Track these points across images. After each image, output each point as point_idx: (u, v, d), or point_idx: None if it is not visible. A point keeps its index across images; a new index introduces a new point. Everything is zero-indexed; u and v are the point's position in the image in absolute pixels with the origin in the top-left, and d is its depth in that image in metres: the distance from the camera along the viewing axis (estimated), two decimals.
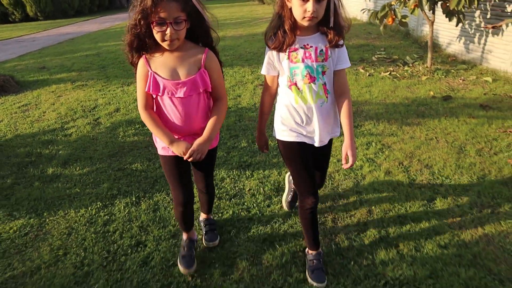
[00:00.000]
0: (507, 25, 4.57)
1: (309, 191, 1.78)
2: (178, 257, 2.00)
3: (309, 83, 1.59)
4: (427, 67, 5.18)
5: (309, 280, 1.84)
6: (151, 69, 1.58)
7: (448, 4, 4.56)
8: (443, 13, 4.82)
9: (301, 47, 1.56)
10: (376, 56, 5.94)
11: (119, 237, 2.26)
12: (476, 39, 5.29)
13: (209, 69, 1.62)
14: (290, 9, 1.50)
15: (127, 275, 1.97)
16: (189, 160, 1.64)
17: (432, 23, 5.00)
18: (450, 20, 4.77)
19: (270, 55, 1.61)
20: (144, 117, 1.66)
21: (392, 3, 4.99)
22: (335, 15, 1.50)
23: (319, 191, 2.06)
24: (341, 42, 1.57)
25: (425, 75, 4.92)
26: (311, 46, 1.56)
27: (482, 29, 5.02)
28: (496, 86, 4.34)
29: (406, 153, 3.02)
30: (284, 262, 1.99)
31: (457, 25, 4.80)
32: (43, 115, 4.43)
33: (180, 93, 1.59)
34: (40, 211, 2.57)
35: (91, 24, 15.01)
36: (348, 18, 1.57)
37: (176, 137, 1.69)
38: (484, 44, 5.09)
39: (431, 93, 4.29)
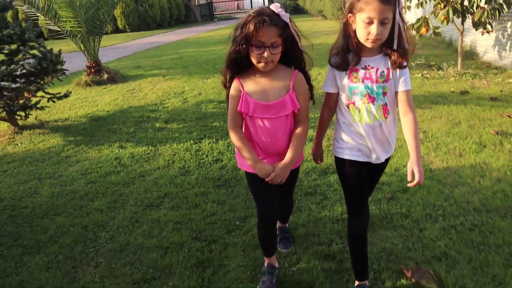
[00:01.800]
0: (497, 30, 5.36)
1: (356, 212, 1.82)
2: (258, 282, 1.96)
3: (368, 103, 1.61)
4: (457, 70, 6.06)
5: None
6: (244, 90, 1.69)
7: (473, 16, 5.48)
8: (472, 24, 5.72)
9: (362, 68, 1.59)
10: (415, 62, 6.89)
11: (205, 156, 3.64)
12: (508, 47, 6.06)
13: (297, 91, 1.70)
14: (354, 30, 1.54)
15: (211, 171, 3.32)
16: (270, 182, 1.71)
17: (462, 32, 5.90)
18: (476, 29, 5.66)
19: (331, 72, 1.66)
20: (232, 135, 1.75)
21: (426, 16, 5.99)
22: (399, 38, 1.51)
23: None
24: (404, 63, 1.57)
25: (454, 77, 5.82)
26: (372, 67, 1.58)
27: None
28: None
29: None
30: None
31: (483, 34, 5.67)
32: (146, 96, 6.08)
33: (269, 114, 1.68)
34: (154, 144, 4.04)
35: (171, 35, 17.31)
36: (413, 40, 1.59)
37: (261, 157, 1.77)
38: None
39: (452, 89, 5.22)
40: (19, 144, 4.37)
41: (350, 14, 1.54)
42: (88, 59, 7.26)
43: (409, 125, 1.64)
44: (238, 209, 2.71)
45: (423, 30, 6.00)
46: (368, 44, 1.52)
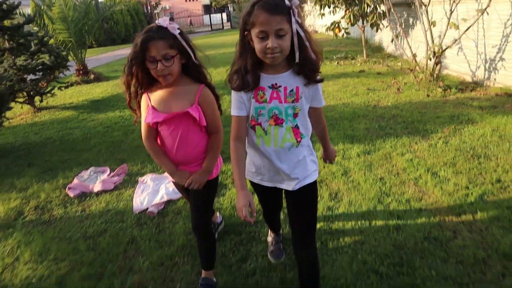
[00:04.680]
0: (392, 29, 7.76)
1: (270, 215, 2.01)
2: None
3: (275, 125, 1.53)
4: (363, 59, 8.40)
5: None
6: (151, 103, 1.78)
7: (368, 19, 7.83)
8: (370, 26, 8.07)
9: (269, 87, 1.50)
10: (336, 56, 9.21)
11: None
12: (400, 41, 8.47)
13: (203, 105, 1.77)
14: (253, 48, 1.44)
15: None
16: (189, 188, 1.85)
17: (363, 30, 8.27)
18: (372, 28, 8.02)
19: (237, 94, 1.54)
20: (147, 147, 1.89)
21: (338, 20, 8.32)
22: (302, 49, 1.42)
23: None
24: (317, 77, 1.50)
25: (360, 63, 8.14)
26: (279, 86, 1.49)
27: (403, 35, 8.23)
28: (402, 66, 7.42)
29: None
30: None
31: (377, 31, 8.03)
32: None
33: (173, 125, 1.78)
34: None
35: None
36: (319, 47, 1.48)
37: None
38: (402, 44, 8.27)
39: (354, 70, 7.51)
40: (43, 117, 6.19)
41: (246, 32, 1.44)
42: (77, 64, 9.09)
43: (322, 133, 1.76)
44: None
45: (336, 30, 8.32)
46: (268, 60, 1.42)
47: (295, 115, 1.54)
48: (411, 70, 6.05)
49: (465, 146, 3.52)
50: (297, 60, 1.43)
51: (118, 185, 3.38)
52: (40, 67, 6.28)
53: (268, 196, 1.86)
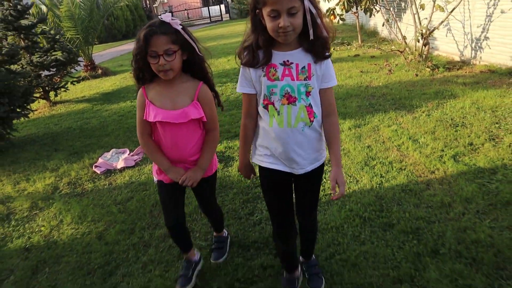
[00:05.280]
0: (384, 14, 8.13)
1: (279, 232, 1.81)
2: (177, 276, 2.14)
3: (288, 103, 1.51)
4: (359, 44, 8.79)
5: None
6: (147, 99, 1.77)
7: (361, 5, 8.20)
8: (363, 11, 8.44)
9: (281, 64, 1.49)
10: (333, 42, 9.57)
11: None
12: (393, 26, 8.84)
13: (202, 102, 1.78)
14: (265, 26, 1.44)
15: None
16: (182, 185, 1.84)
17: (357, 16, 8.64)
18: (365, 14, 8.39)
19: (245, 71, 1.55)
20: (142, 143, 1.88)
21: (333, 7, 8.70)
22: (315, 27, 1.42)
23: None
24: (326, 53, 1.50)
25: (355, 48, 8.53)
26: (291, 63, 1.49)
27: (394, 19, 8.60)
28: (393, 49, 7.83)
29: None
30: None
31: (370, 16, 8.40)
32: None
33: (171, 122, 1.76)
34: None
35: None
36: (331, 26, 1.50)
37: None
38: (395, 29, 8.63)
39: (349, 54, 7.90)
40: (59, 110, 6.67)
41: (257, 10, 1.44)
42: (85, 60, 9.53)
43: (332, 129, 1.59)
44: None
45: (331, 17, 8.69)
46: (280, 38, 1.41)
47: (308, 94, 1.53)
48: (401, 52, 6.44)
49: (445, 117, 3.95)
50: (311, 37, 1.43)
51: (138, 162, 3.85)
52: (54, 63, 6.73)
53: (278, 183, 1.71)
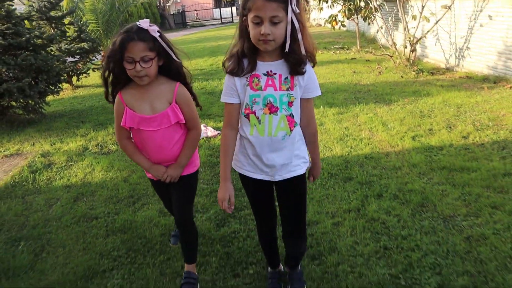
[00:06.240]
0: (383, 21, 8.88)
1: (263, 236, 1.88)
2: None
3: (270, 113, 1.54)
4: (357, 49, 9.55)
5: None
6: (126, 105, 1.78)
7: (360, 14, 8.97)
8: (363, 19, 9.20)
9: (264, 74, 1.52)
10: (334, 46, 10.35)
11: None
12: (391, 33, 9.59)
13: (180, 103, 1.81)
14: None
15: None
16: (165, 181, 1.93)
17: (357, 23, 9.41)
18: (365, 21, 9.16)
19: (230, 80, 1.56)
20: (122, 147, 1.95)
21: (336, 14, 9.47)
22: (293, 41, 1.44)
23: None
24: (304, 69, 1.51)
25: (354, 53, 9.29)
26: (274, 73, 1.52)
27: (387, 27, 9.35)
28: (384, 53, 8.59)
29: None
30: None
31: (368, 24, 9.17)
32: None
33: (152, 126, 1.79)
34: None
35: None
36: (313, 44, 1.51)
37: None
38: (392, 36, 9.39)
39: (347, 57, 8.66)
40: (81, 92, 7.50)
41: (244, 17, 1.46)
42: (104, 50, 10.36)
43: (313, 139, 1.68)
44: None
45: (333, 23, 9.46)
46: (261, 46, 1.44)
47: (290, 104, 1.55)
48: (391, 56, 7.19)
49: (416, 110, 4.69)
50: (286, 49, 1.44)
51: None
52: (79, 50, 7.55)
53: (259, 190, 1.75)
